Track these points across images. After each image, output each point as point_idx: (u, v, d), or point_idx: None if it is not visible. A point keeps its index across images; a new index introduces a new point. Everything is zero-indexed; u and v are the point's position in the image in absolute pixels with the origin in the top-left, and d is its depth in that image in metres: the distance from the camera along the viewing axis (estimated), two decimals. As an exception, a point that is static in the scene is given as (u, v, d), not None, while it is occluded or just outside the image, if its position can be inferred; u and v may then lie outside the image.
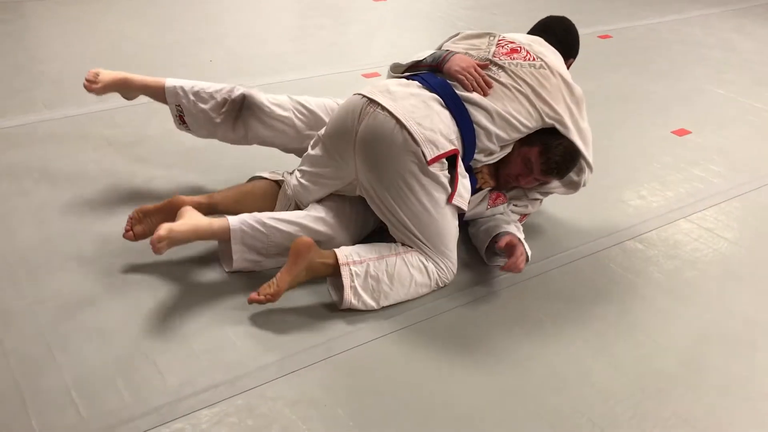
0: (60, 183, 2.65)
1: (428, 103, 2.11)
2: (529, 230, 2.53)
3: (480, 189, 2.32)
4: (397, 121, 2.03)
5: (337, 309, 2.06)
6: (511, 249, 2.16)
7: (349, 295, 2.01)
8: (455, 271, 2.17)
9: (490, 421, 1.75)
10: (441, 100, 2.14)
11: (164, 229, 1.99)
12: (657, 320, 2.14)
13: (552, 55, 2.33)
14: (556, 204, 2.72)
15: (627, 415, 1.80)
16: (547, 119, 2.23)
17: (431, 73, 2.26)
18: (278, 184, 2.35)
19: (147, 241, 2.29)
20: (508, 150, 2.28)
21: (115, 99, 3.40)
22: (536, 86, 2.22)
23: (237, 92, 2.47)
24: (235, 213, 2.18)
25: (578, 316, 2.13)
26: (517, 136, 2.22)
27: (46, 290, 2.08)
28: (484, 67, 2.24)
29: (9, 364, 1.81)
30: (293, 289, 2.04)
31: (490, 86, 2.19)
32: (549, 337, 2.04)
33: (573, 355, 1.97)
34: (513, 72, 2.23)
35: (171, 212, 2.16)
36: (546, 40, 2.40)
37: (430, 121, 2.06)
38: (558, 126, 2.24)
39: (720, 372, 1.97)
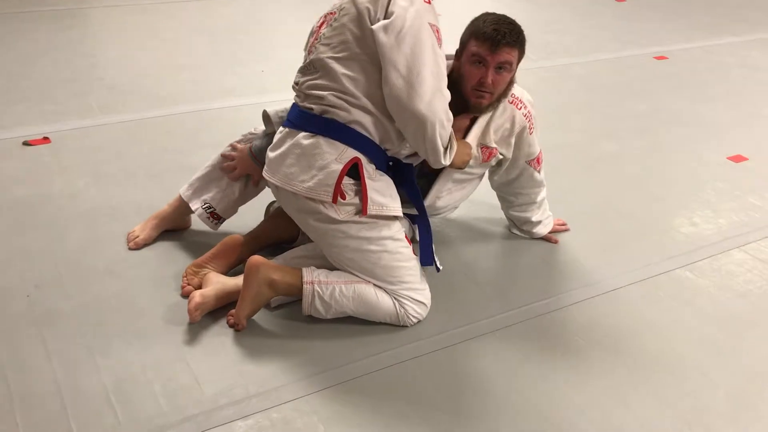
0: (110, 187, 2.70)
1: (301, 146, 1.95)
2: (574, 254, 2.48)
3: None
4: (286, 191, 1.98)
5: (375, 325, 2.05)
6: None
7: (307, 311, 2.00)
8: (424, 303, 2.07)
9: (526, 449, 1.71)
10: (306, 132, 1.96)
11: (199, 295, 1.99)
12: (706, 353, 2.07)
13: None
14: (603, 228, 2.66)
15: (670, 451, 1.74)
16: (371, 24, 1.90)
17: (293, 106, 2.07)
18: None
19: (192, 248, 2.34)
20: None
21: (168, 106, 3.48)
22: (348, 34, 1.91)
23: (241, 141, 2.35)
24: (274, 243, 2.27)
25: (622, 346, 2.07)
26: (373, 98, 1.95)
27: (91, 293, 2.12)
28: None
29: (51, 365, 1.84)
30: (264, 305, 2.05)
31: (233, 169, 2.25)
32: (590, 367, 1.98)
33: (615, 387, 1.92)
34: (325, 57, 1.95)
35: (227, 253, 2.18)
36: None
37: (307, 166, 1.93)
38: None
39: (771, 411, 1.89)
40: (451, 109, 1.97)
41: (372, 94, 1.93)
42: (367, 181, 1.96)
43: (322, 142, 1.93)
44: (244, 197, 2.37)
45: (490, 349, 2.01)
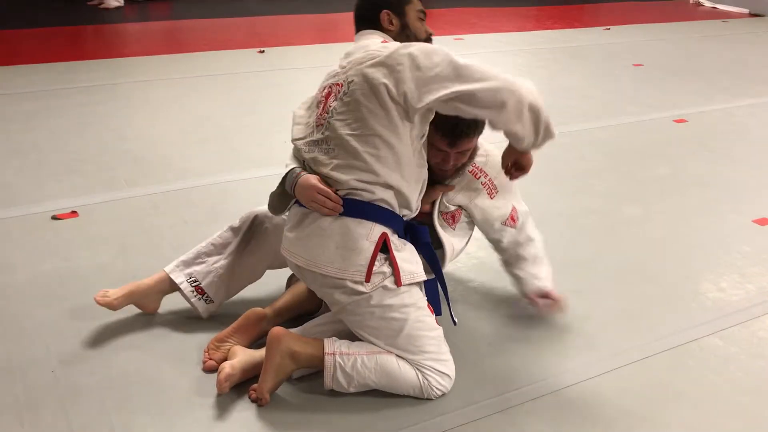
0: (136, 260, 2.73)
1: (325, 228, 1.95)
2: (600, 321, 2.44)
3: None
4: (315, 273, 1.97)
5: (398, 398, 2.02)
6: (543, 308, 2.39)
7: (329, 384, 1.98)
8: (447, 374, 2.03)
9: None
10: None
11: (229, 366, 1.99)
12: (739, 424, 2.01)
13: (356, 52, 2.01)
14: (628, 295, 2.63)
15: None
16: (415, 103, 1.89)
17: None
18: None
19: (214, 322, 2.34)
20: (412, 176, 2.03)
21: (192, 177, 3.54)
22: (364, 111, 1.92)
23: (237, 222, 2.36)
24: (296, 315, 2.27)
25: (653, 417, 2.02)
26: (398, 165, 1.96)
27: (115, 368, 2.12)
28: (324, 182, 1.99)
29: (74, 441, 1.84)
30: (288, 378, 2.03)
31: (339, 202, 1.95)
32: (622, 439, 1.93)
33: (648, 460, 1.86)
34: (333, 133, 1.96)
35: (249, 326, 2.18)
36: (360, 29, 2.13)
37: (335, 247, 1.93)
38: (412, 96, 1.89)
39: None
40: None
41: (393, 168, 1.95)
42: (396, 254, 1.97)
43: (349, 223, 1.95)
44: (235, 279, 2.33)
45: (519, 423, 1.97)
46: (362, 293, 1.94)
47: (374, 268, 1.94)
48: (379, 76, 1.91)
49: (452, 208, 2.30)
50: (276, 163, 3.71)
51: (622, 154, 4.16)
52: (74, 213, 3.11)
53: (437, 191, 2.24)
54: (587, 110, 4.99)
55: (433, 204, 2.27)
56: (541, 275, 2.40)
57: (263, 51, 6.41)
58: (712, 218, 3.33)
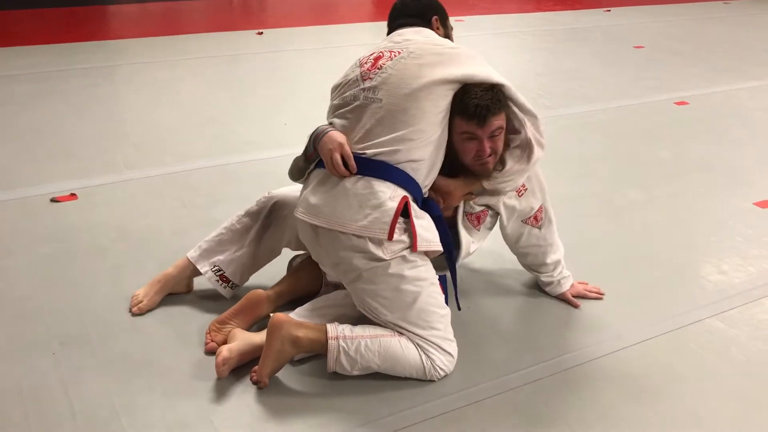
0: (135, 243, 2.73)
1: (350, 188, 1.98)
2: (601, 304, 2.44)
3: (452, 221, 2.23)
4: (331, 232, 1.97)
5: (401, 380, 2.02)
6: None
7: (332, 367, 1.98)
8: (451, 354, 2.04)
9: None
10: (355, 174, 2.00)
11: (226, 350, 1.99)
12: (738, 406, 2.01)
13: (414, 35, 2.19)
14: (630, 278, 2.63)
15: None
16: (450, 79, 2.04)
17: None
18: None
19: (216, 303, 2.34)
20: (437, 149, 2.07)
21: (191, 160, 3.53)
22: (427, 70, 2.03)
23: (254, 206, 2.37)
24: (297, 299, 2.27)
25: (654, 399, 2.02)
26: (436, 128, 2.03)
27: (117, 350, 2.12)
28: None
29: (76, 424, 1.84)
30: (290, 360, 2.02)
31: (352, 170, 1.98)
32: (622, 422, 1.93)
33: (649, 442, 1.87)
34: (385, 81, 2.04)
35: (250, 308, 2.18)
36: (404, 24, 2.26)
37: (359, 206, 1.95)
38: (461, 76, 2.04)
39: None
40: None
41: (436, 128, 2.03)
42: (415, 219, 1.99)
43: (374, 182, 1.97)
44: (257, 262, 2.37)
45: (520, 404, 1.97)
46: (381, 260, 1.95)
47: (395, 235, 1.94)
48: (448, 50, 2.10)
49: (478, 208, 2.28)
50: (275, 145, 3.73)
51: (624, 137, 4.14)
52: (73, 195, 3.10)
53: (458, 197, 2.19)
54: (588, 92, 4.97)
55: (456, 207, 2.25)
56: (564, 276, 2.44)
57: (262, 33, 6.37)
58: (714, 201, 3.32)
